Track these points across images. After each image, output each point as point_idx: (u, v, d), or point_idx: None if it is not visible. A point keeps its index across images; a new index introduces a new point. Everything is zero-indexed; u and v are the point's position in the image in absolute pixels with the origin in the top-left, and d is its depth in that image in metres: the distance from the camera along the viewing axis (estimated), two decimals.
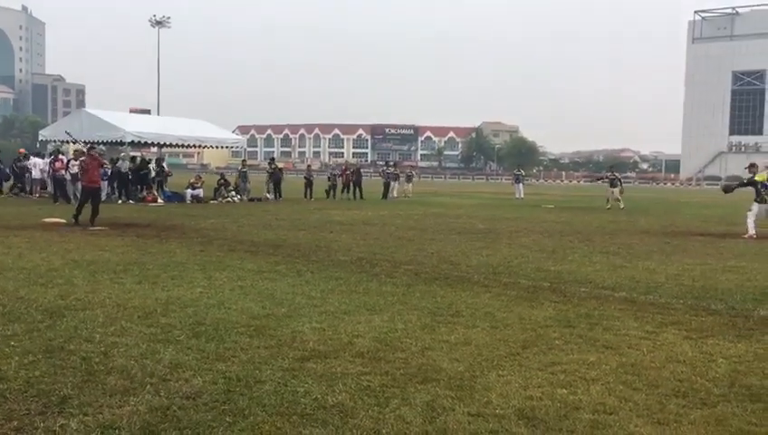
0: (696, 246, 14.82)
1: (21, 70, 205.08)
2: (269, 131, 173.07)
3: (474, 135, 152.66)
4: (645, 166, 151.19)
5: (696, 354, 5.87)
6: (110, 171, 25.47)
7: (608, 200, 29.07)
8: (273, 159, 36.73)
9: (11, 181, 29.24)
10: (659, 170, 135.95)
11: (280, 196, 30.22)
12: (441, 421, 4.19)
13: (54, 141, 30.63)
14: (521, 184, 40.88)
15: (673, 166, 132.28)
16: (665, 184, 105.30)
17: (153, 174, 27.66)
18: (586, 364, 5.47)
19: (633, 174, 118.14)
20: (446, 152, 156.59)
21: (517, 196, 39.09)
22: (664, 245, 14.85)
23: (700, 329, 6.80)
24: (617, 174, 30.38)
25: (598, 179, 29.69)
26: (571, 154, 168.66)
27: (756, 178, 16.47)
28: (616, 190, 28.98)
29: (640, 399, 4.70)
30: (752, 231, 16.22)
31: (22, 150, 31.36)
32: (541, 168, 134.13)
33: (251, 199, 28.88)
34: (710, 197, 47.22)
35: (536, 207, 30.33)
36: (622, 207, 28.06)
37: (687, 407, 4.57)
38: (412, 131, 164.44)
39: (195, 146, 33.74)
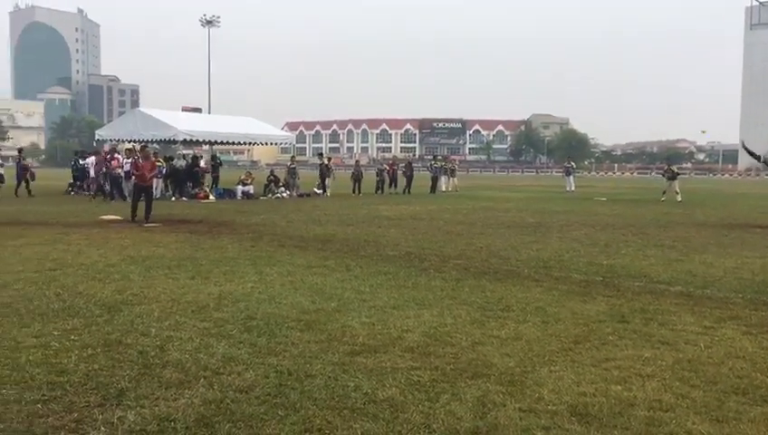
0: (755, 238, 14.37)
1: (78, 71, 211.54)
2: (317, 127, 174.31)
3: (523, 128, 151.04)
4: (701, 157, 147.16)
5: (757, 350, 5.69)
6: (165, 169, 26.08)
7: (663, 192, 28.41)
8: (321, 153, 36.97)
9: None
10: (716, 161, 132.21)
11: (324, 191, 30.39)
12: (492, 417, 4.15)
13: (110, 140, 31.47)
14: (571, 177, 40.28)
15: (731, 156, 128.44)
16: (722, 175, 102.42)
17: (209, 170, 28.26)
18: (641, 360, 5.35)
19: (689, 165, 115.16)
20: (494, 146, 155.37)
21: (568, 188, 38.53)
22: (721, 237, 14.43)
23: (760, 324, 6.59)
24: (673, 167, 29.91)
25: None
26: (623, 146, 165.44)
27: None
28: (675, 183, 28.39)
29: (698, 396, 4.57)
30: None
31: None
32: (592, 160, 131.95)
33: (300, 195, 29.16)
34: None
35: (588, 200, 29.83)
36: (680, 199, 27.36)
37: (747, 404, 4.43)
38: (460, 125, 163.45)
39: (245, 143, 34.23)
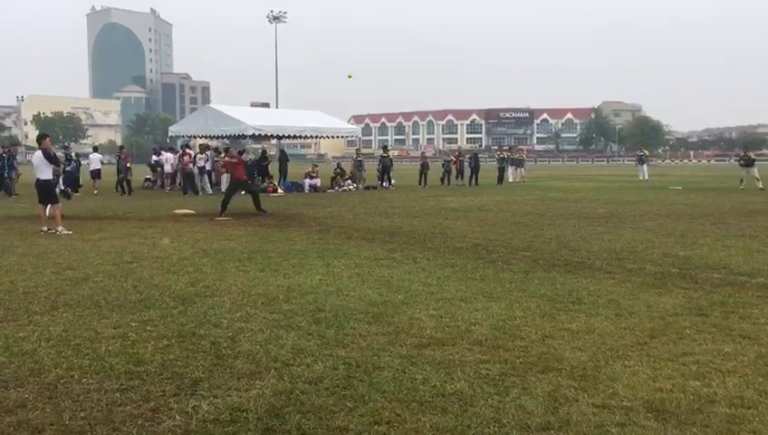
0: None
1: (151, 70, 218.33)
2: (383, 120, 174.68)
3: (593, 116, 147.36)
4: None
5: None
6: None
7: (741, 180, 27.23)
8: (385, 146, 37.06)
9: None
10: None
11: (389, 183, 30.41)
12: (564, 412, 4.06)
13: (183, 137, 32.36)
14: (645, 165, 39.11)
15: None
16: None
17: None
18: (721, 355, 5.14)
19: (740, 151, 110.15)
20: (563, 135, 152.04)
21: (641, 177, 37.42)
22: None
23: None
24: (750, 153, 28.61)
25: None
26: (700, 132, 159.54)
27: None
28: (753, 169, 27.19)
29: None
30: None
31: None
32: (666, 147, 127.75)
33: (366, 188, 29.30)
34: None
35: (662, 188, 28.89)
36: (761, 187, 26.15)
37: None
38: (527, 114, 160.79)
39: (312, 137, 34.63)
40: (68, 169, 25.76)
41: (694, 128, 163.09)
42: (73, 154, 28.47)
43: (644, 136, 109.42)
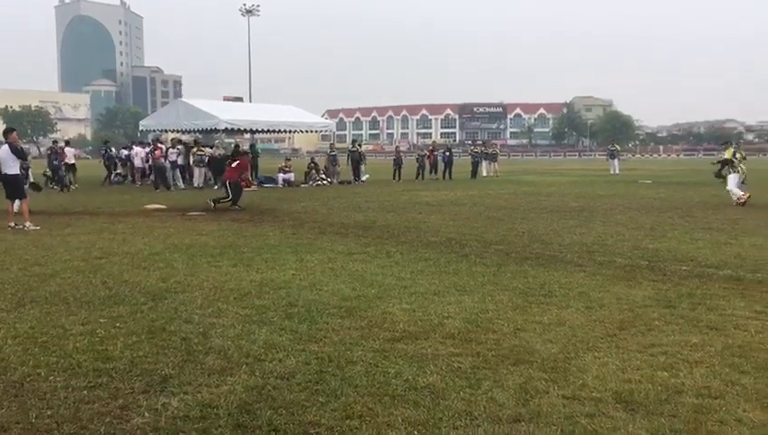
0: None
1: (122, 63, 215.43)
2: (357, 114, 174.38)
3: (565, 110, 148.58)
4: (750, 137, 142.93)
5: None
6: (207, 158, 26.44)
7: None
8: (354, 141, 36.95)
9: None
10: (766, 141, 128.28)
11: (358, 178, 30.32)
12: (535, 404, 4.10)
13: (154, 131, 32.00)
14: (616, 160, 39.56)
15: None
16: None
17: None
18: (688, 346, 5.22)
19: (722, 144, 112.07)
20: (536, 129, 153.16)
21: (612, 172, 37.83)
22: None
23: None
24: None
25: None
26: (669, 127, 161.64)
27: (726, 155, 18.25)
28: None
29: (748, 382, 4.44)
30: (738, 193, 17.42)
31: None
32: (637, 142, 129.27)
33: (341, 182, 29.24)
34: None
35: (632, 182, 29.23)
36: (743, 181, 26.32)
37: None
38: (501, 109, 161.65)
39: (285, 131, 34.44)
40: (56, 162, 26.13)
41: (663, 123, 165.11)
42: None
43: (615, 131, 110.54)
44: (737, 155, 18.10)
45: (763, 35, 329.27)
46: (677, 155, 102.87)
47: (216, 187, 25.87)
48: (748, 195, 17.31)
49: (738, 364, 4.79)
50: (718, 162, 19.10)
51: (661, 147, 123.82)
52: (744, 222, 13.48)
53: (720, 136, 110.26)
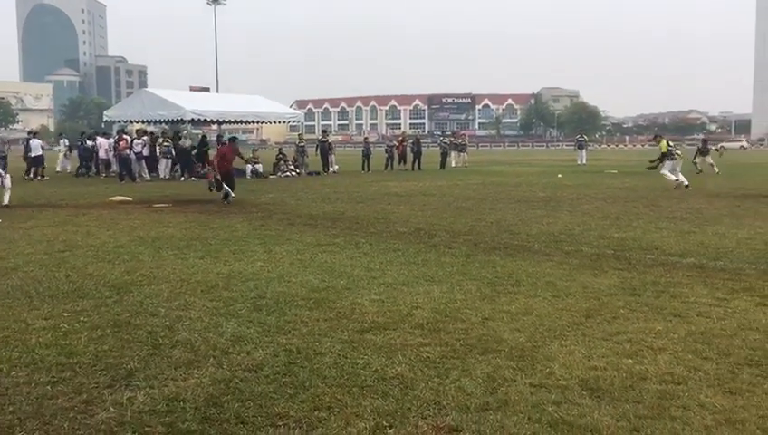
0: (767, 209, 14.23)
1: (85, 53, 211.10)
2: (326, 105, 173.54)
3: (533, 102, 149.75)
4: (713, 127, 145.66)
5: None
6: (173, 149, 26.10)
7: (696, 165, 27.77)
8: (324, 131, 36.76)
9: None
10: (729, 131, 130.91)
11: (327, 168, 30.24)
12: (502, 392, 4.13)
13: (119, 121, 31.45)
14: (584, 150, 39.99)
15: (743, 127, 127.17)
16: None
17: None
18: (653, 333, 5.30)
19: (701, 136, 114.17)
20: (504, 120, 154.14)
21: (579, 162, 38.23)
22: (734, 208, 14.30)
23: None
24: (710, 144, 29.95)
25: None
26: (634, 117, 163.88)
27: (661, 150, 19.73)
28: (708, 157, 28.08)
29: (711, 368, 4.53)
30: (672, 178, 19.19)
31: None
32: (603, 132, 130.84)
33: (309, 173, 29.09)
34: None
35: (599, 173, 29.60)
36: (717, 171, 26.84)
37: (761, 376, 4.38)
38: (469, 100, 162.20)
39: (254, 122, 34.10)
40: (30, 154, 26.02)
41: (629, 113, 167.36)
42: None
43: (582, 121, 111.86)
44: (671, 144, 19.89)
45: (727, 29, 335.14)
46: (642, 145, 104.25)
47: (182, 178, 25.59)
48: (684, 184, 18.86)
49: (701, 351, 4.89)
50: (657, 160, 20.34)
51: (627, 137, 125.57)
52: (707, 211, 13.74)
53: (684, 127, 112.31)
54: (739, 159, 44.99)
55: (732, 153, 61.29)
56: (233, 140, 18.14)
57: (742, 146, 73.14)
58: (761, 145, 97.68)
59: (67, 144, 32.44)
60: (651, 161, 21.19)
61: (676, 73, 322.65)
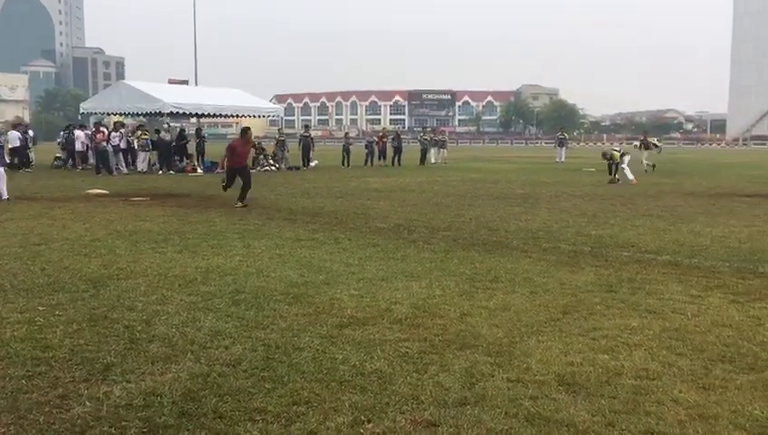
0: (742, 207, 14.44)
1: (61, 44, 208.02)
2: (306, 100, 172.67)
3: (512, 99, 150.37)
4: (690, 126, 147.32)
5: (743, 318, 5.73)
6: (151, 142, 25.88)
7: (642, 162, 27.96)
8: (306, 126, 36.63)
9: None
10: (704, 131, 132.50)
11: (308, 163, 30.16)
12: (480, 387, 4.16)
13: (96, 114, 31.08)
14: (564, 148, 40.22)
15: (719, 126, 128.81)
16: (710, 145, 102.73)
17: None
18: (628, 329, 5.37)
19: (678, 135, 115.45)
20: (484, 117, 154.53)
21: (558, 160, 38.47)
22: (709, 206, 14.50)
23: (747, 292, 6.62)
24: (652, 139, 30.18)
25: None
26: (612, 116, 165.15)
27: (614, 158, 21.84)
28: (645, 153, 28.17)
29: (685, 364, 4.59)
30: (631, 177, 21.24)
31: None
32: (581, 130, 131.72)
33: (289, 168, 28.99)
34: (757, 157, 45.87)
35: (577, 171, 29.81)
36: (646, 170, 26.96)
37: (734, 372, 4.46)
38: (449, 96, 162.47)
39: (233, 116, 33.87)
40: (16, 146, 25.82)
41: (606, 112, 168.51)
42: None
43: (561, 119, 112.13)
44: (621, 151, 22.55)
45: (703, 30, 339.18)
46: (620, 143, 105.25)
47: (160, 172, 25.36)
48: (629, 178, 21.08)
49: (675, 347, 4.96)
50: (609, 163, 22.07)
51: (605, 135, 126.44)
52: (682, 209, 13.92)
53: (661, 126, 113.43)
54: (715, 158, 45.57)
55: (708, 152, 62.04)
56: (245, 132, 15.39)
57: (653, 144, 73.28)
58: (735, 145, 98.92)
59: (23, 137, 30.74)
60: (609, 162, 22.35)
61: (654, 73, 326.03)
